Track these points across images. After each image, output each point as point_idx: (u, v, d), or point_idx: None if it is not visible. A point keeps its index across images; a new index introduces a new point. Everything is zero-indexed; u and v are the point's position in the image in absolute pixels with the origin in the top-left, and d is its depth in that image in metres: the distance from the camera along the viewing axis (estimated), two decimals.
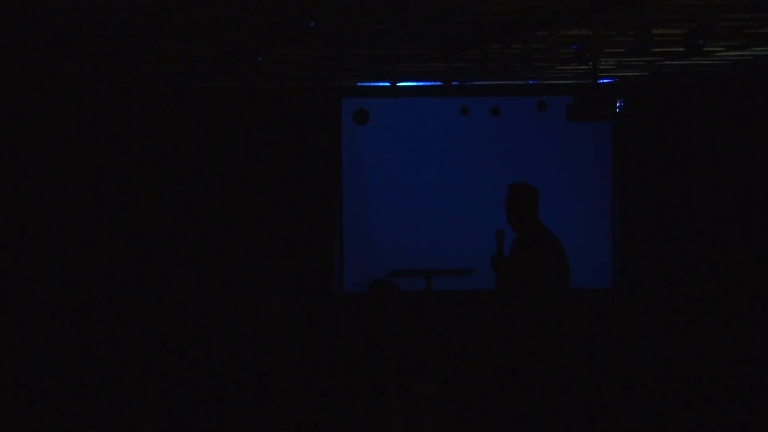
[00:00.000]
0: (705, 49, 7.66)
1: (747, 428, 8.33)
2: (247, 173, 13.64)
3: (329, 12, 6.59)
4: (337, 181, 13.90)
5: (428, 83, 13.26)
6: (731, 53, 9.94)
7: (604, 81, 13.10)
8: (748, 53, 10.00)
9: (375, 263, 13.61)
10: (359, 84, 13.41)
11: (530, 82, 13.25)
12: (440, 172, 14.13)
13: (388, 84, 13.10)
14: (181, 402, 8.58)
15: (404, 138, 14.08)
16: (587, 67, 9.58)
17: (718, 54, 9.96)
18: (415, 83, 13.35)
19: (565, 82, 12.89)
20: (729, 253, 13.08)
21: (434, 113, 14.00)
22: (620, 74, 12.31)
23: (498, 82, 13.08)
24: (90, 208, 13.29)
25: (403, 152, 14.08)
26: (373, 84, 13.36)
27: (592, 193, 14.26)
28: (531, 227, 8.14)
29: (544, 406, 7.82)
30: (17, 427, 8.59)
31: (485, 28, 7.91)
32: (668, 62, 10.80)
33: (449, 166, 14.14)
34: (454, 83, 11.82)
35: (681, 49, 7.48)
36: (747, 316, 11.84)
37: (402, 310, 8.16)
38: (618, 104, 8.89)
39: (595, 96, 9.21)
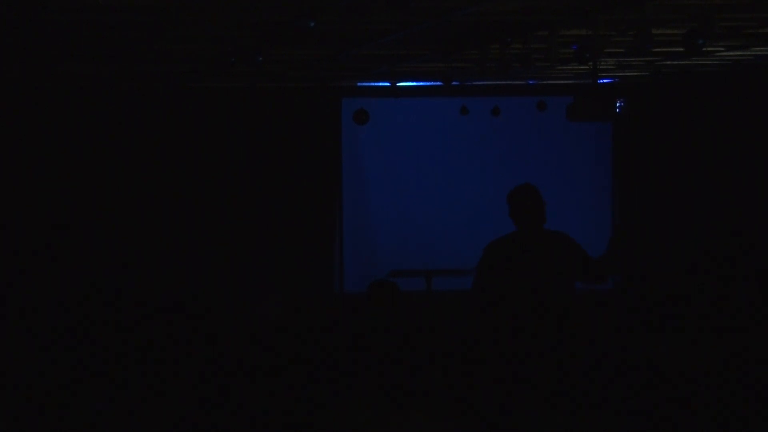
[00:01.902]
0: (705, 49, 7.68)
1: (746, 428, 8.32)
2: (247, 173, 13.63)
3: (329, 12, 6.59)
4: (337, 181, 13.89)
5: (428, 83, 13.25)
6: (731, 53, 9.94)
7: (604, 81, 13.10)
8: (748, 53, 10.00)
9: (375, 263, 13.60)
10: (359, 84, 13.40)
11: (530, 82, 13.25)
12: (440, 172, 14.12)
13: (388, 84, 13.09)
14: (182, 402, 8.57)
15: (404, 138, 14.07)
16: (587, 67, 9.57)
17: (718, 54, 9.96)
18: (415, 83, 13.35)
19: (565, 82, 12.88)
20: (729, 252, 13.07)
21: (434, 113, 13.99)
22: (620, 74, 12.31)
23: (498, 82, 13.07)
24: (90, 208, 13.28)
25: (403, 152, 14.07)
26: (373, 84, 13.35)
27: (592, 193, 14.25)
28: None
29: (545, 406, 7.82)
30: (17, 427, 8.59)
31: (485, 28, 7.91)
32: (668, 62, 10.80)
33: (449, 166, 14.12)
34: (454, 83, 11.81)
35: (681, 49, 7.48)
36: (747, 315, 11.82)
37: (402, 310, 8.17)
38: (618, 104, 8.88)
39: (595, 96, 9.21)
